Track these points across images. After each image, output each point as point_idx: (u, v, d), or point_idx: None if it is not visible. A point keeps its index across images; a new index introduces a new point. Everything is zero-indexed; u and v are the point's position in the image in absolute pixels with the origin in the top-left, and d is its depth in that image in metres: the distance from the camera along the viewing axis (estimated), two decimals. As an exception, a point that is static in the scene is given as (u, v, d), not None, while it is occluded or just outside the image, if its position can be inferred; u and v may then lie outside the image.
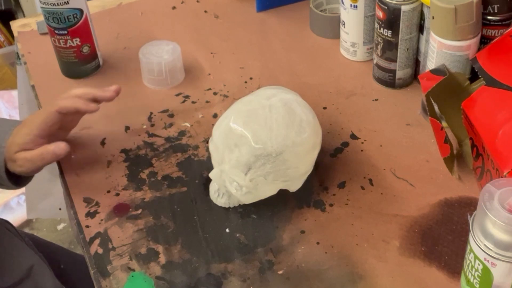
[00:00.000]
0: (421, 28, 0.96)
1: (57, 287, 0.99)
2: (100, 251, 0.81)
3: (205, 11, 1.22)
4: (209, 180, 0.87)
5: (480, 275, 0.67)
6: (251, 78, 1.06)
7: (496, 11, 0.87)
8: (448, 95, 0.86)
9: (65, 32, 1.02)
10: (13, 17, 2.34)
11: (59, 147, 0.85)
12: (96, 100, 0.89)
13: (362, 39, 1.06)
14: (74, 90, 0.89)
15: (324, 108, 0.99)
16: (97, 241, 0.82)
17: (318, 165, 0.88)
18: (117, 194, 0.88)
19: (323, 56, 1.11)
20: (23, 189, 1.34)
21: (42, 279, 0.97)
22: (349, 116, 0.98)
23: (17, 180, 0.90)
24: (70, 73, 1.07)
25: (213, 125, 0.85)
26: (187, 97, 1.03)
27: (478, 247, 0.65)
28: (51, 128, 0.87)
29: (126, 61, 1.11)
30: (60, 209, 1.31)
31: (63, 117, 0.87)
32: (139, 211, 0.86)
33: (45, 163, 0.86)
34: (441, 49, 0.89)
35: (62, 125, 0.89)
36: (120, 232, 0.83)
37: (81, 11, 1.01)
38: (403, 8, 0.93)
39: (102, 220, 0.85)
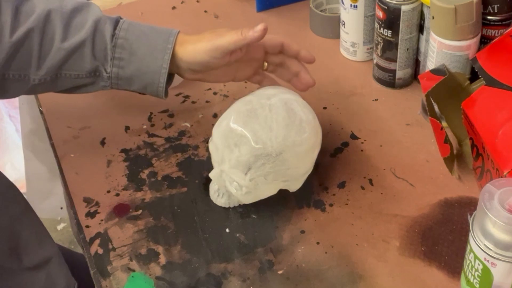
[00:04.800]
0: (421, 28, 0.96)
1: (69, 284, 0.99)
2: (100, 251, 0.81)
3: (205, 11, 1.22)
4: (209, 180, 0.87)
5: (480, 275, 0.67)
6: (251, 78, 1.06)
7: (496, 11, 0.87)
8: (448, 95, 0.86)
9: (65, 32, 1.02)
10: (13, 17, 2.33)
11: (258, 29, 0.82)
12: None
13: (362, 39, 1.06)
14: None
15: (324, 108, 0.99)
16: (97, 241, 0.82)
17: (318, 165, 0.88)
18: (117, 194, 0.88)
19: (323, 56, 1.10)
20: (23, 189, 1.34)
21: (57, 273, 0.97)
22: (349, 116, 0.98)
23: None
24: (70, 73, 1.07)
25: (213, 125, 0.85)
26: (187, 97, 1.03)
27: (478, 247, 0.65)
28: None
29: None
30: (61, 208, 1.31)
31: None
32: (139, 211, 0.86)
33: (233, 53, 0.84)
34: (441, 49, 0.89)
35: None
36: (120, 233, 0.83)
37: (81, 11, 1.01)
38: (403, 8, 0.93)
39: (102, 220, 0.85)
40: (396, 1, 0.93)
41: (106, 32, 0.81)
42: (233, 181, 0.80)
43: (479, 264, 0.67)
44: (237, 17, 1.20)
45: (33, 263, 0.92)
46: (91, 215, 0.86)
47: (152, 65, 0.82)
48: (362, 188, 0.87)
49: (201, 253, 0.80)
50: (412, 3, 0.93)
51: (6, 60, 0.78)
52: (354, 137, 0.94)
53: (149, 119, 1.00)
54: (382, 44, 0.98)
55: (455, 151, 0.88)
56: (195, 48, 0.83)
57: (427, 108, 0.83)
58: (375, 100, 1.01)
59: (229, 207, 0.85)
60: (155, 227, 0.84)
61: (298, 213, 0.84)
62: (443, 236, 0.80)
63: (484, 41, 0.89)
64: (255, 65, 0.91)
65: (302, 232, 0.82)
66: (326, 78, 1.05)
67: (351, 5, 1.02)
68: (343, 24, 1.06)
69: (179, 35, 0.84)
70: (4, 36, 0.77)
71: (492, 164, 0.77)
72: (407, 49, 0.97)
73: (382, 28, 0.97)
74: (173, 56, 0.83)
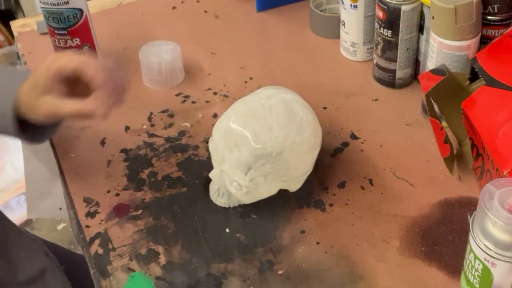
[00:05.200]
0: (421, 28, 0.96)
1: None
2: (100, 251, 0.81)
3: (205, 11, 1.22)
4: (209, 180, 0.87)
5: (480, 275, 0.67)
6: (251, 78, 1.06)
7: (496, 11, 0.87)
8: (448, 95, 0.86)
9: (65, 32, 1.02)
10: (13, 17, 2.34)
11: (100, 109, 0.73)
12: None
13: (362, 39, 1.06)
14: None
15: (324, 108, 0.99)
16: (97, 241, 0.82)
17: (318, 165, 0.88)
18: (117, 194, 0.88)
19: (323, 56, 1.11)
20: (23, 189, 1.34)
21: (54, 284, 0.97)
22: (349, 116, 0.98)
23: (33, 134, 0.80)
24: (70, 73, 1.07)
25: (213, 125, 0.85)
26: (187, 97, 1.03)
27: (478, 247, 0.65)
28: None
29: (126, 61, 1.10)
30: (60, 209, 1.31)
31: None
32: (139, 211, 0.86)
33: (76, 121, 0.76)
34: (441, 49, 0.89)
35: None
36: (120, 233, 0.83)
37: (81, 11, 1.01)
38: (403, 8, 0.93)
39: (102, 220, 0.85)
40: (396, 1, 0.93)
41: None
42: (233, 181, 0.80)
43: (479, 264, 0.67)
44: (237, 17, 1.20)
45: (29, 277, 0.93)
46: (91, 215, 0.86)
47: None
48: (362, 188, 0.87)
49: (201, 253, 0.80)
50: (412, 3, 0.93)
51: None
52: (354, 137, 0.94)
53: (149, 119, 1.00)
54: (382, 44, 0.98)
55: (455, 151, 0.88)
56: (35, 111, 0.75)
57: (427, 108, 0.83)
58: (375, 100, 1.01)
59: (229, 207, 0.85)
60: (155, 227, 0.84)
61: (298, 213, 0.84)
62: (443, 236, 0.80)
63: (484, 41, 0.89)
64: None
65: (302, 232, 0.82)
66: (326, 78, 1.05)
67: (351, 5, 1.02)
68: (343, 24, 1.06)
69: (27, 82, 0.77)
70: None
71: (492, 164, 0.77)
72: (407, 49, 0.97)
73: (382, 28, 0.97)
74: (21, 107, 0.76)
